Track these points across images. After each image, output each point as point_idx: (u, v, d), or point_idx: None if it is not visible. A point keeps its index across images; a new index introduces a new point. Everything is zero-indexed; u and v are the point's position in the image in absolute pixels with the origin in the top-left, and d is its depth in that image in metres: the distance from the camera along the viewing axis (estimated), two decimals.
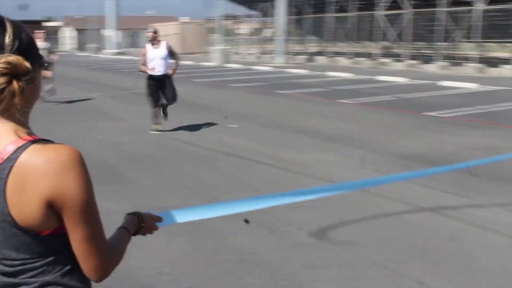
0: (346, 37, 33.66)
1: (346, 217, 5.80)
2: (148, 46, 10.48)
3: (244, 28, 49.71)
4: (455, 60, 27.35)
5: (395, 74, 24.39)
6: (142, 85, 11.66)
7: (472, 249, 4.97)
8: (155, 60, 10.30)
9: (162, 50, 10.41)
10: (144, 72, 10.47)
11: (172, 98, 10.64)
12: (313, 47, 39.78)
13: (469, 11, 26.08)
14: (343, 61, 33.02)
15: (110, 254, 1.60)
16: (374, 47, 32.83)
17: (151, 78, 10.45)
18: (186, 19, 61.68)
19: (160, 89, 10.53)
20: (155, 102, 10.63)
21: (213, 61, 34.83)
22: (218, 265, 4.62)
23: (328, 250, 4.97)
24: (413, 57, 29.89)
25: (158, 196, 6.57)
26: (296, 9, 36.61)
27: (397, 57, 30.52)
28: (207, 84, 21.09)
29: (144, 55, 10.46)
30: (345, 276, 4.42)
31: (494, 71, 24.85)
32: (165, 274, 4.44)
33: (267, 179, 7.38)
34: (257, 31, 45.76)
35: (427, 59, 28.85)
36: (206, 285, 4.31)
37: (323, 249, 5.00)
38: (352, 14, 32.68)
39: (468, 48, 27.94)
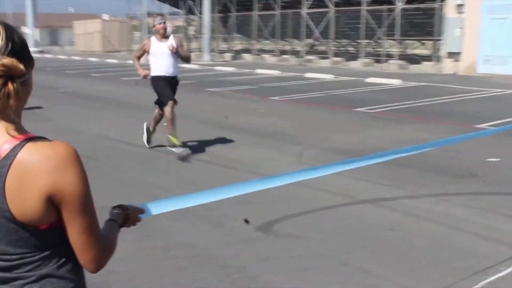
0: (271, 35, 34.04)
1: (289, 211, 5.95)
2: (153, 39, 8.47)
3: (168, 26, 49.37)
4: (378, 57, 28.21)
5: (321, 71, 24.90)
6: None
7: (410, 238, 5.23)
8: (161, 57, 8.39)
9: (171, 44, 8.40)
10: (137, 70, 8.72)
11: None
12: (239, 45, 40.00)
13: (390, 10, 26.95)
14: (269, 58, 33.40)
15: (105, 245, 1.68)
16: (299, 45, 33.35)
17: (161, 79, 8.53)
18: (107, 16, 60.66)
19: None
20: (169, 95, 8.62)
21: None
22: (169, 262, 4.67)
23: (275, 243, 5.11)
24: (338, 55, 30.60)
25: (100, 196, 6.47)
26: (221, 6, 36.71)
27: (322, 54, 31.15)
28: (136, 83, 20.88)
29: (145, 49, 8.49)
30: (294, 267, 4.57)
31: (414, 68, 25.78)
32: (116, 272, 4.44)
33: (207, 176, 7.45)
34: (182, 29, 45.54)
35: (351, 56, 29.60)
36: (158, 282, 4.35)
37: (271, 242, 5.13)
38: (277, 12, 33.08)
39: (390, 46, 28.84)
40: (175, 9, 45.34)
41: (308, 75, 23.44)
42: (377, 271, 4.50)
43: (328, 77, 22.68)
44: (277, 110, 13.77)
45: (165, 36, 8.47)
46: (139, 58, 8.70)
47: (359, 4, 27.93)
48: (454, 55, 23.53)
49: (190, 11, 40.85)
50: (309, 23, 30.91)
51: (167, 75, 8.53)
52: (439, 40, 24.99)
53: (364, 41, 29.17)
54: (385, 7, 27.26)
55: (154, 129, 9.12)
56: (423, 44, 32.18)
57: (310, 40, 32.59)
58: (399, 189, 6.80)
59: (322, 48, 32.96)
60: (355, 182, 6.95)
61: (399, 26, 26.44)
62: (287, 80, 21.55)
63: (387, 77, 21.61)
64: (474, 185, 7.05)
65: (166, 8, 46.00)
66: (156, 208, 2.24)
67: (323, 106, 14.28)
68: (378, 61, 27.70)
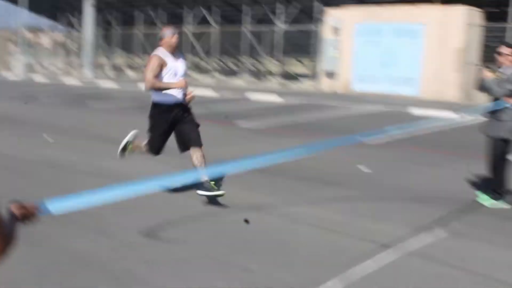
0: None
1: (172, 217, 6.16)
2: (165, 55, 6.71)
3: (48, 40, 47.93)
4: (260, 75, 29.03)
5: (204, 87, 25.26)
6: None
7: (288, 240, 5.61)
8: (178, 78, 6.76)
9: (182, 62, 6.89)
10: (166, 88, 6.65)
11: (197, 139, 7.02)
12: (122, 61, 39.59)
13: (272, 30, 27.90)
14: None
15: (7, 235, 1.81)
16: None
17: (166, 107, 6.76)
18: None
19: (175, 125, 6.92)
20: (159, 147, 7.22)
21: (16, 74, 33.24)
22: (55, 268, 4.73)
23: (161, 247, 5.31)
24: (221, 72, 31.15)
25: None
26: (104, 22, 36.27)
27: (205, 71, 31.58)
28: (15, 98, 20.23)
29: (162, 65, 6.63)
30: (180, 269, 4.79)
31: (294, 86, 26.81)
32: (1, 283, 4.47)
33: (91, 187, 7.49)
34: (62, 44, 44.41)
35: (234, 74, 30.25)
36: (45, 287, 4.42)
37: (156, 246, 5.32)
38: (160, 29, 33.17)
39: (272, 64, 29.76)
40: (56, 23, 44.17)
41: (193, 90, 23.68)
42: (258, 270, 4.81)
43: (211, 93, 23.08)
44: None
45: (175, 52, 6.81)
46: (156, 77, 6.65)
47: (240, 22, 28.69)
48: (330, 74, 24.73)
49: (70, 25, 39.98)
50: (193, 40, 31.28)
51: (177, 102, 6.80)
52: (316, 60, 26.13)
53: (246, 59, 29.93)
54: (267, 27, 28.18)
55: (134, 148, 7.69)
56: (302, 63, 33.48)
57: (194, 57, 32.94)
58: (276, 196, 7.21)
59: (205, 65, 33.41)
60: (235, 190, 7.28)
61: (280, 45, 27.44)
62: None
63: (268, 94, 22.33)
64: (345, 191, 7.62)
65: (45, 21, 44.75)
66: (55, 206, 2.36)
67: (204, 121, 14.56)
68: (260, 79, 28.51)
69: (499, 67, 6.92)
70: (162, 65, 6.60)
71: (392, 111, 18.02)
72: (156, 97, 6.79)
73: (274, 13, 27.63)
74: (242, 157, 9.57)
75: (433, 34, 21.78)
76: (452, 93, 21.21)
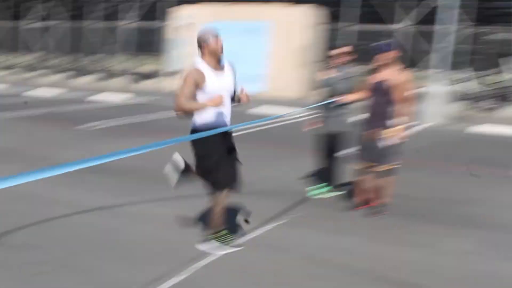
0: None
1: (20, 223, 6.20)
2: (205, 69, 5.25)
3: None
4: (105, 73, 28.55)
5: (47, 87, 24.46)
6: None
7: (132, 239, 5.92)
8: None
9: (229, 75, 5.48)
10: (199, 109, 5.23)
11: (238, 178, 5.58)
12: None
13: (119, 27, 27.60)
14: None
15: None
16: (25, 59, 32.07)
17: (217, 134, 5.03)
18: None
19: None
20: (232, 178, 5.49)
21: None
22: None
23: (8, 252, 5.37)
24: (65, 70, 30.16)
25: None
26: None
27: (49, 69, 30.41)
28: None
29: (198, 83, 5.18)
30: (25, 273, 4.90)
31: (141, 85, 26.69)
32: None
33: None
34: None
35: (80, 73, 29.43)
36: None
37: (3, 251, 5.36)
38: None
39: (119, 62, 29.29)
40: None
41: (33, 91, 22.88)
42: (101, 269, 5.07)
43: (55, 93, 22.45)
44: None
45: (220, 62, 5.39)
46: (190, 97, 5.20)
47: (89, 19, 28.08)
48: (174, 74, 24.87)
49: None
50: (36, 36, 30.09)
51: (225, 126, 5.36)
52: (162, 59, 26.13)
53: (91, 57, 29.24)
54: (116, 23, 27.78)
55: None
56: (149, 62, 33.30)
57: (36, 55, 31.59)
58: (122, 196, 7.47)
59: (49, 63, 32.14)
60: (81, 191, 7.37)
61: (128, 43, 27.24)
62: (10, 97, 20.83)
63: (113, 93, 22.12)
64: (184, 189, 7.90)
65: None
66: None
67: (47, 122, 14.26)
68: (104, 78, 28.04)
69: (334, 67, 7.53)
70: (199, 83, 5.15)
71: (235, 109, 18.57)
72: (198, 121, 5.35)
73: (119, 10, 27.35)
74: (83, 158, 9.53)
75: (278, 33, 22.73)
76: (294, 90, 22.21)
